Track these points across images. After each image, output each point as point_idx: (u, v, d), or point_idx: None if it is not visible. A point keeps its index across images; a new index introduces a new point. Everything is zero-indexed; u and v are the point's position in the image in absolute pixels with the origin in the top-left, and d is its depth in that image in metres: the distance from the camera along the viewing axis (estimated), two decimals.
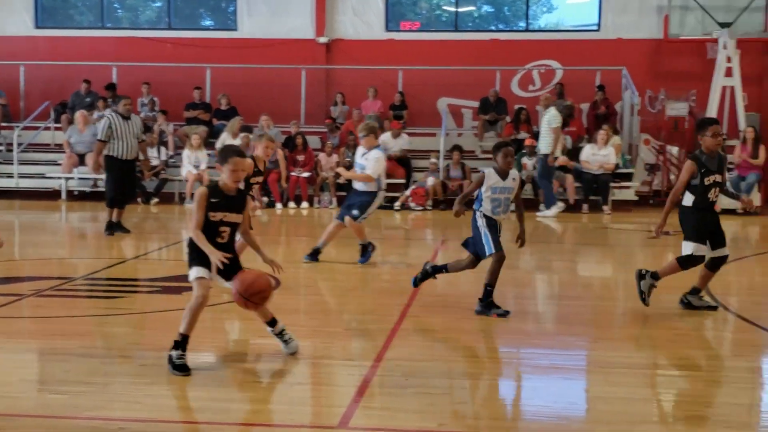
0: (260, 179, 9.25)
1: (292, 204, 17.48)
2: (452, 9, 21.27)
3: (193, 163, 18.03)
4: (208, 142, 18.65)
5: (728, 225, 15.16)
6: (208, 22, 22.69)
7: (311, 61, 20.44)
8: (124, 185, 13.17)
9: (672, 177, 18.67)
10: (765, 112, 19.20)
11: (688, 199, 8.11)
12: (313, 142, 18.79)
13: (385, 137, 18.39)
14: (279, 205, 17.33)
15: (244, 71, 20.02)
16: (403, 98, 19.51)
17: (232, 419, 5.20)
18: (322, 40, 20.56)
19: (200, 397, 5.57)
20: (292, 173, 17.58)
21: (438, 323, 7.66)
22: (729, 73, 17.81)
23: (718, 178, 8.05)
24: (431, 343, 6.97)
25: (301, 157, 17.91)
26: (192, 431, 5.11)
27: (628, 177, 17.84)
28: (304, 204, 17.41)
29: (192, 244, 6.12)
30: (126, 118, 12.86)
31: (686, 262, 8.11)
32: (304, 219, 16.43)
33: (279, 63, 20.03)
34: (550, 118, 16.07)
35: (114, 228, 13.08)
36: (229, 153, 6.18)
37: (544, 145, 16.24)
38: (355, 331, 7.47)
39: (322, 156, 18.01)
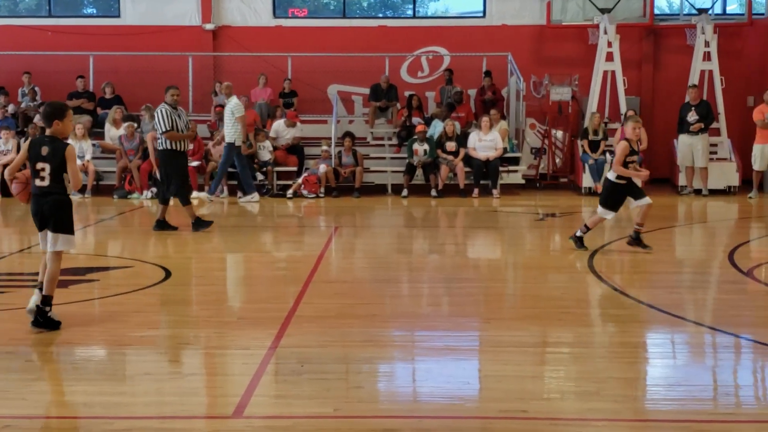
0: (634, 158, 10.26)
1: None
2: None
3: (77, 153, 17.48)
4: (92, 132, 18.15)
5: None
6: (90, 10, 22.04)
7: (198, 48, 20.08)
8: (187, 179, 12.93)
9: (558, 160, 19.13)
10: (645, 96, 19.84)
11: None
12: (202, 130, 18.49)
13: (278, 125, 18.26)
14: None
15: (129, 59, 19.54)
16: (291, 85, 19.40)
17: (122, 413, 5.09)
18: (209, 26, 20.23)
19: (88, 392, 5.43)
20: None
21: (333, 309, 7.66)
22: (610, 57, 18.29)
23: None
24: (326, 329, 6.96)
25: (189, 146, 17.59)
26: (80, 427, 4.98)
27: (515, 161, 18.19)
28: (194, 194, 17.12)
29: (68, 208, 6.92)
30: (174, 108, 12.49)
31: None
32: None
33: (164, 50, 19.62)
34: (233, 108, 16.06)
35: (164, 226, 12.43)
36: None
37: (229, 135, 16.25)
38: (249, 320, 7.40)
39: (211, 145, 17.75)
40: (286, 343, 6.53)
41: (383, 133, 19.36)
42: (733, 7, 20.56)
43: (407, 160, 17.57)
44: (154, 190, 17.05)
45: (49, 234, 6.81)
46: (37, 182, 6.86)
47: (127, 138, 17.47)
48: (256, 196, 16.48)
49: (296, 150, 18.09)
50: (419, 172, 17.53)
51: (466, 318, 7.65)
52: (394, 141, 18.85)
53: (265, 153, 17.70)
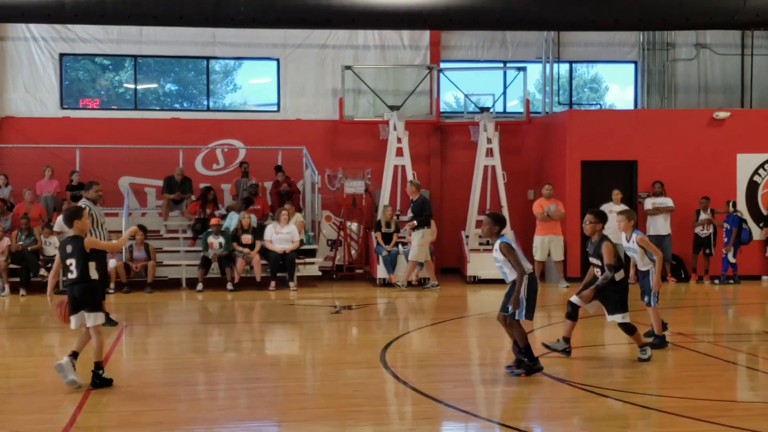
0: None
1: None
2: (132, 86, 20.92)
3: None
4: None
5: (407, 297, 16.06)
6: None
7: None
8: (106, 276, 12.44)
9: (353, 252, 19.40)
10: (434, 189, 20.59)
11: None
12: None
13: (62, 220, 17.52)
14: None
15: None
16: (80, 177, 18.75)
17: None
18: None
19: None
20: None
21: (115, 418, 7.31)
22: (400, 152, 18.93)
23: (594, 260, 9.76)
24: None
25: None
26: None
27: (312, 253, 18.32)
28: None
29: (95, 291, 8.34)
30: (95, 204, 12.22)
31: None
32: None
33: None
34: None
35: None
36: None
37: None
38: None
39: None
40: None
41: (177, 226, 19.01)
42: (514, 103, 21.82)
43: (202, 254, 17.30)
44: None
45: (85, 314, 8.20)
46: (69, 275, 8.21)
47: None
48: None
49: None
50: (215, 265, 17.29)
51: (259, 421, 7.51)
52: (189, 234, 18.55)
53: (51, 248, 16.92)
